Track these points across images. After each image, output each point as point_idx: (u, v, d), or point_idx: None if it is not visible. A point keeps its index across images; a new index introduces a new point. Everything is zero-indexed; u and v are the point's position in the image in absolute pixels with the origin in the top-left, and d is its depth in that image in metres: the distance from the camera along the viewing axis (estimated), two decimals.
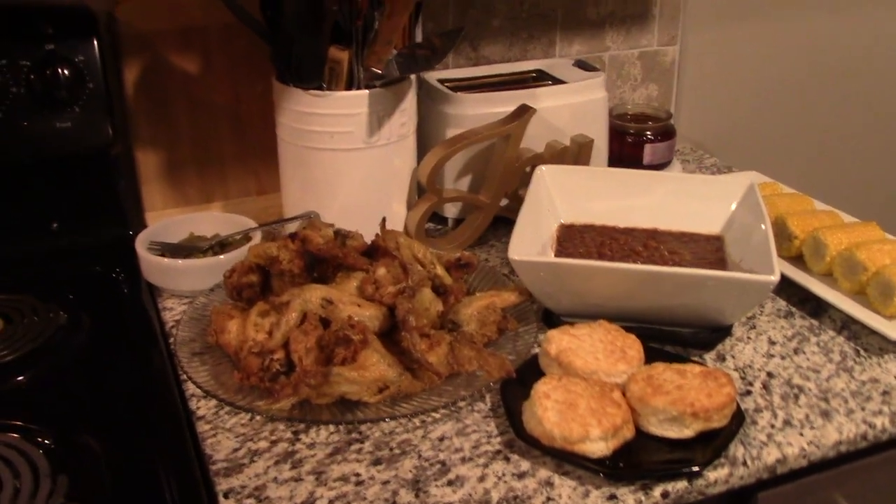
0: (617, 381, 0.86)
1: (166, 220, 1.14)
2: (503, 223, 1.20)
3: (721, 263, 1.04)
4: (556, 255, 1.06)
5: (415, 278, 0.89)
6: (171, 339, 0.96)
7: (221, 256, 1.05)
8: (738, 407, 0.84)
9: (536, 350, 0.92)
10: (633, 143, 1.36)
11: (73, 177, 1.11)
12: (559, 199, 1.14)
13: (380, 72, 1.05)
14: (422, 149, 1.16)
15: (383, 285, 0.89)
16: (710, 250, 1.07)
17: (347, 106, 1.05)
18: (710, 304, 0.94)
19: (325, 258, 0.92)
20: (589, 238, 1.10)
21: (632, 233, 1.11)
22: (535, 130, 1.17)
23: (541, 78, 1.31)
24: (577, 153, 1.21)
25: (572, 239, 1.10)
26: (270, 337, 0.87)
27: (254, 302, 0.93)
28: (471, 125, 1.16)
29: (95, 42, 1.07)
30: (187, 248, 1.10)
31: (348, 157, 1.08)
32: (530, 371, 0.89)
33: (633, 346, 0.89)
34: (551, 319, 1.00)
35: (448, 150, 1.12)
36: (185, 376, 0.89)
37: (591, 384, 0.84)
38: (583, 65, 1.32)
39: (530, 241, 1.02)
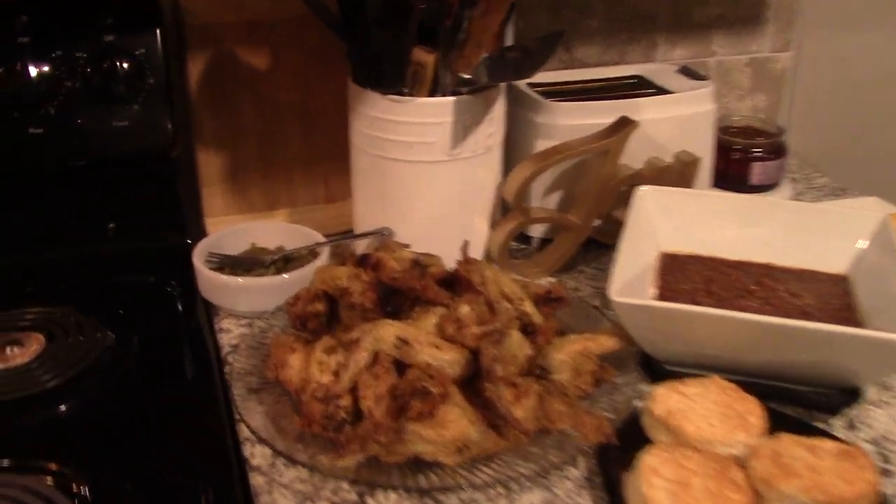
0: (734, 453, 0.74)
1: (227, 228, 1.04)
2: (593, 245, 1.08)
3: (849, 310, 0.91)
4: (657, 289, 0.94)
5: (502, 319, 0.78)
6: (227, 369, 0.87)
7: (285, 275, 0.95)
8: (880, 494, 0.71)
9: (637, 403, 0.80)
10: (740, 160, 1.22)
11: (129, 179, 1.02)
12: (661, 224, 1.01)
13: (468, 77, 0.94)
14: (507, 161, 1.05)
15: (466, 325, 0.78)
16: (835, 293, 0.94)
17: (431, 114, 0.94)
18: (843, 364, 0.81)
19: (400, 289, 0.81)
20: (694, 271, 0.97)
21: (743, 267, 0.98)
22: (634, 145, 1.04)
23: (641, 85, 1.18)
24: (680, 172, 1.08)
25: (675, 272, 0.97)
26: (337, 379, 0.76)
27: (319, 334, 0.83)
28: (564, 137, 1.04)
29: (158, 33, 0.98)
30: (248, 262, 1.01)
31: (428, 170, 0.97)
32: (631, 432, 0.78)
33: (754, 412, 0.77)
34: (653, 368, 0.88)
35: (538, 165, 1.00)
36: (239, 417, 0.79)
37: (707, 458, 0.72)
38: (688, 72, 1.19)
39: (631, 275, 0.90)
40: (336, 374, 0.78)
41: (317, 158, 1.13)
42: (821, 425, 0.80)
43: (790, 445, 0.72)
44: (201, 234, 1.08)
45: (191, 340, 0.92)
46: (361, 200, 1.04)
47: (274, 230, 1.06)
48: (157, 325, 0.94)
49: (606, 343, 0.85)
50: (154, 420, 0.81)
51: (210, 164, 1.09)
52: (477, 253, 1.04)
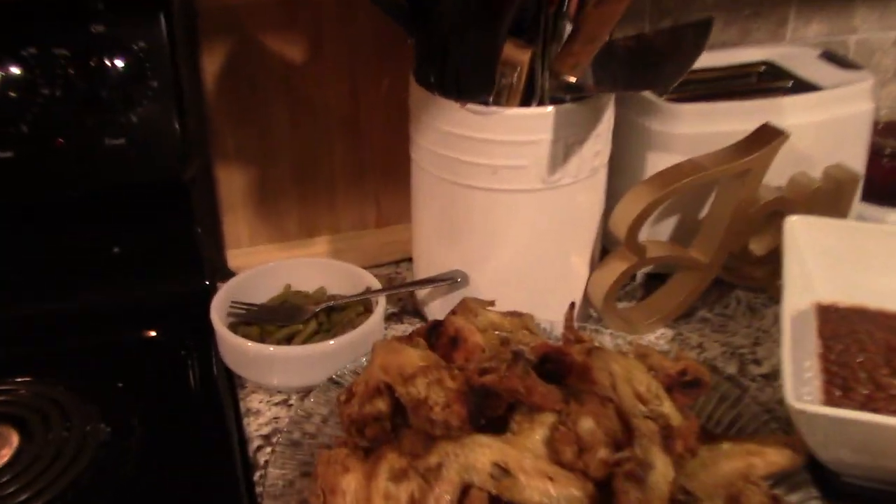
0: None
1: (254, 270, 0.82)
2: (715, 283, 0.85)
3: None
4: (823, 362, 0.71)
5: (643, 443, 0.55)
6: (257, 482, 0.66)
7: (331, 342, 0.73)
8: None
9: None
10: (893, 168, 0.98)
11: (128, 211, 0.80)
12: (816, 265, 0.78)
13: (574, 81, 0.70)
14: (609, 182, 0.81)
15: (591, 448, 0.56)
16: None
17: (524, 129, 0.71)
18: None
19: (496, 393, 0.58)
20: (865, 334, 0.74)
21: None
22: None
23: (773, 75, 0.94)
24: (834, 194, 0.84)
25: (841, 334, 0.74)
26: None
27: (381, 444, 0.61)
28: (686, 150, 0.80)
29: (163, 21, 0.74)
30: (283, 313, 0.79)
31: (516, 201, 0.74)
32: None
33: None
34: (826, 479, 0.65)
35: (659, 192, 0.76)
36: None
37: None
38: (833, 58, 0.93)
39: (794, 357, 0.66)
40: None
41: (364, 173, 0.90)
42: None
43: None
44: (223, 270, 0.86)
45: (210, 429, 0.70)
46: (423, 235, 0.81)
47: (313, 268, 0.83)
48: (166, 406, 0.72)
49: (778, 459, 0.62)
50: None
51: (233, 185, 0.86)
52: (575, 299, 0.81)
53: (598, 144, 0.75)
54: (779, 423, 0.69)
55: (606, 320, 0.81)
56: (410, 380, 0.57)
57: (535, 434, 0.58)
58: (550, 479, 0.56)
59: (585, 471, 0.56)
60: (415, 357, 0.62)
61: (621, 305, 0.87)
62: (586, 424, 0.57)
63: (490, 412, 0.59)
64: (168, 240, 0.82)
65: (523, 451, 0.57)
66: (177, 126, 0.75)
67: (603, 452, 0.56)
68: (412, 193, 0.80)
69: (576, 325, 0.76)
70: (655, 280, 0.88)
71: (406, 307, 0.86)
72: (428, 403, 0.56)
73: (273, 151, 0.86)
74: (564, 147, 0.72)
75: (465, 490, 0.56)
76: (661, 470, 0.56)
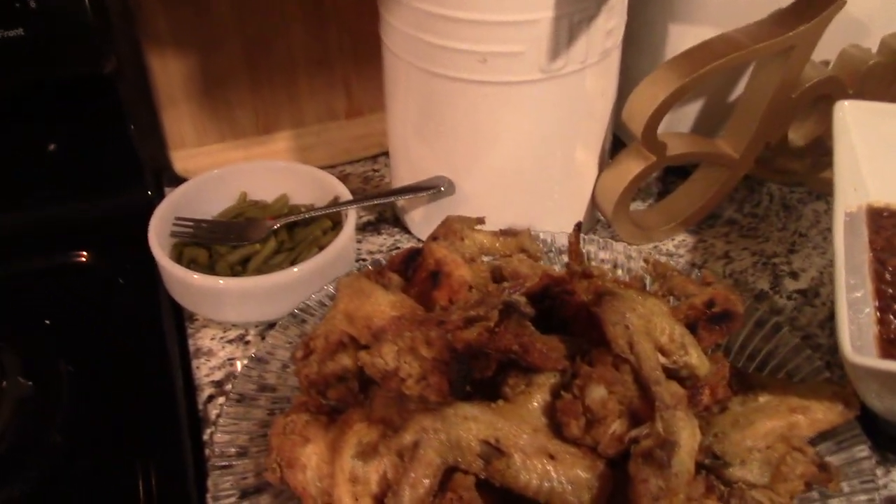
0: None
1: (202, 177, 0.69)
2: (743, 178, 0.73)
3: None
4: (875, 283, 0.59)
5: (666, 416, 0.45)
6: (207, 442, 0.56)
7: (294, 270, 0.61)
8: None
9: None
10: None
11: (45, 113, 0.66)
12: (868, 161, 0.65)
13: None
14: (623, 60, 0.67)
15: (601, 420, 0.45)
16: None
17: (519, 5, 0.56)
18: None
19: (486, 350, 0.47)
20: None
21: None
22: None
23: None
24: (893, 71, 0.70)
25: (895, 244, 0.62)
26: None
27: (347, 408, 0.50)
28: (719, 20, 0.66)
29: None
30: (236, 230, 0.67)
31: (511, 95, 0.61)
32: None
33: None
34: (884, 434, 0.55)
35: (686, 77, 0.62)
36: None
37: None
38: None
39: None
40: (380, 500, 0.46)
41: (330, 56, 0.75)
42: None
43: None
44: (167, 176, 0.73)
45: (150, 375, 0.60)
46: (400, 136, 0.68)
47: (274, 173, 0.71)
48: (99, 350, 0.61)
49: (826, 416, 0.51)
50: None
51: (170, 75, 0.72)
52: (580, 210, 0.69)
53: (612, 20, 0.61)
54: (821, 355, 0.58)
55: (617, 228, 0.69)
56: (377, 344, 0.46)
57: (533, 400, 0.48)
58: (552, 457, 0.45)
59: (595, 448, 0.46)
60: (385, 304, 0.51)
61: (636, 206, 0.75)
62: (597, 392, 0.46)
63: (477, 375, 0.48)
64: (96, 145, 0.69)
65: (519, 424, 0.46)
66: (87, 7, 0.61)
67: (616, 426, 0.46)
68: (385, 86, 0.66)
69: (582, 238, 0.65)
70: (675, 174, 0.76)
71: (384, 215, 0.74)
72: (399, 375, 0.45)
73: (215, 32, 0.71)
74: (569, 26, 0.58)
75: (448, 473, 0.45)
76: (687, 445, 0.46)
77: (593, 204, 0.70)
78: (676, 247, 0.71)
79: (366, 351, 0.46)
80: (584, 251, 0.63)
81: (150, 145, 0.73)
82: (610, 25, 0.61)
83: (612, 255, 0.65)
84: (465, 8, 0.57)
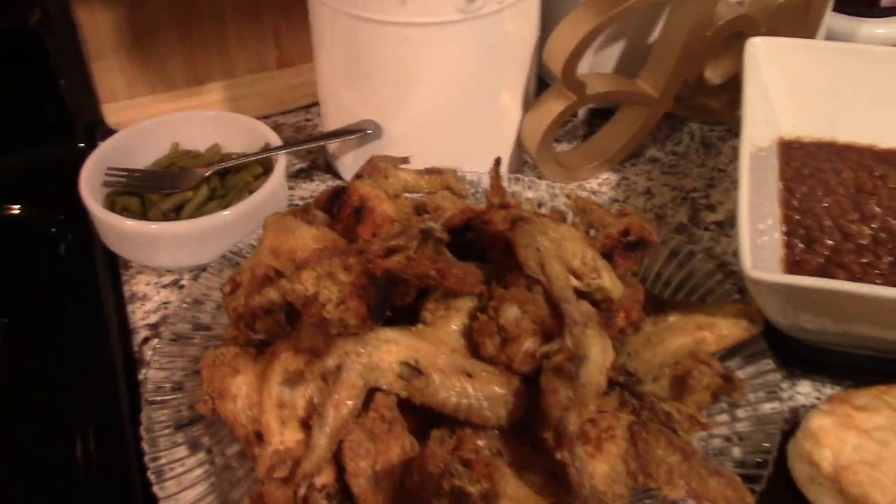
0: None
1: (132, 128, 0.70)
2: (664, 117, 0.75)
3: None
4: (784, 211, 0.62)
5: (575, 331, 0.47)
6: (142, 377, 0.57)
7: (225, 213, 0.63)
8: None
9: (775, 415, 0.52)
10: None
11: None
12: (779, 95, 0.68)
13: None
14: (544, 3, 0.69)
15: (515, 338, 0.48)
16: None
17: None
18: None
19: (405, 280, 0.49)
20: (831, 172, 0.65)
21: None
22: None
23: None
24: (804, 6, 0.73)
25: (805, 175, 0.65)
26: (308, 438, 0.47)
27: (276, 339, 0.52)
28: None
29: None
30: (169, 179, 0.68)
31: (432, 36, 0.62)
32: (778, 489, 0.50)
33: None
34: (788, 346, 0.59)
35: (602, 16, 0.64)
36: (157, 489, 0.50)
37: None
38: None
39: (753, 203, 0.58)
40: (306, 423, 0.48)
41: (260, 5, 0.76)
42: None
43: None
44: (99, 129, 0.74)
45: (83, 321, 0.61)
46: (327, 80, 0.69)
47: (204, 123, 0.72)
48: (33, 298, 0.63)
49: (731, 332, 0.54)
50: (28, 485, 0.52)
51: (98, 27, 0.72)
52: (506, 151, 0.71)
53: None
54: (734, 280, 0.61)
55: (541, 167, 0.71)
56: (297, 272, 0.48)
57: (451, 324, 0.50)
58: (469, 375, 0.48)
59: (509, 365, 0.48)
60: (308, 238, 0.53)
61: (562, 148, 0.78)
62: (510, 312, 0.48)
63: (397, 301, 0.50)
64: (27, 98, 0.69)
65: (437, 346, 0.48)
66: None
67: (529, 343, 0.48)
68: (311, 31, 0.67)
69: (507, 177, 0.67)
70: (600, 117, 0.78)
71: (317, 162, 0.76)
72: (319, 301, 0.46)
73: None
74: None
75: (370, 393, 0.48)
76: (597, 360, 0.48)
77: (519, 145, 0.72)
78: (600, 185, 0.73)
79: (286, 278, 0.48)
80: (508, 189, 0.65)
81: (81, 98, 0.74)
82: None
83: (536, 194, 0.67)
84: None
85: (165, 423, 0.53)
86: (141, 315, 0.62)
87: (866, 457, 0.48)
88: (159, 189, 0.67)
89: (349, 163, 0.71)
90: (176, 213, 0.66)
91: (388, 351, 0.48)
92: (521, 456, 0.48)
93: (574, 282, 0.51)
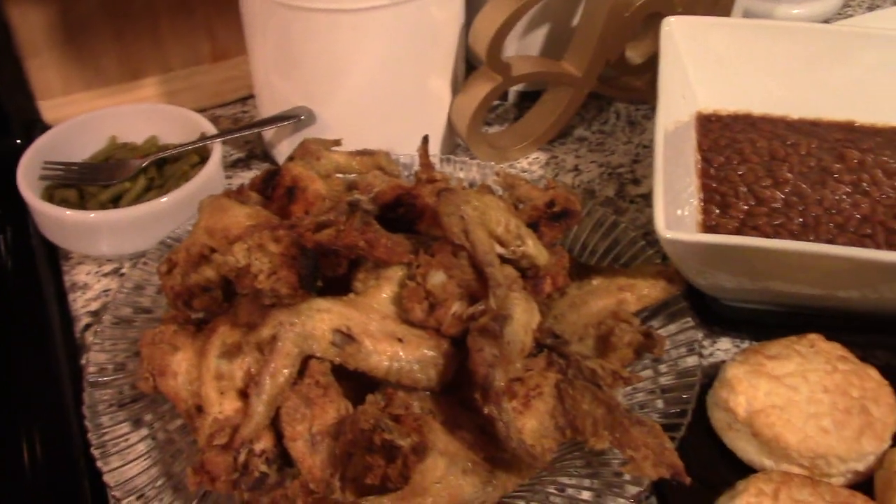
0: (858, 470, 0.50)
1: (68, 122, 0.71)
2: (591, 98, 0.78)
3: None
4: (702, 179, 0.65)
5: (499, 293, 0.49)
6: (84, 362, 0.58)
7: (162, 200, 0.64)
8: None
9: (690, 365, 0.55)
10: None
11: None
12: (696, 72, 0.71)
13: None
14: None
15: (442, 302, 0.50)
16: None
17: None
18: None
19: (335, 251, 0.51)
20: (747, 142, 0.68)
21: (816, 132, 0.69)
22: None
23: None
24: None
25: (722, 145, 0.68)
26: (246, 407, 0.48)
27: (214, 316, 0.54)
28: None
29: None
30: (107, 171, 0.69)
31: (361, 22, 0.64)
32: (699, 437, 0.53)
33: (881, 398, 0.51)
34: (707, 305, 0.62)
35: (520, 0, 0.67)
36: (100, 463, 0.51)
37: (824, 492, 0.47)
38: None
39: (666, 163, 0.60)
40: (244, 393, 0.50)
41: (192, 1, 0.77)
42: None
43: None
44: (36, 126, 0.75)
45: (24, 311, 0.62)
46: (260, 69, 0.71)
47: (141, 115, 0.73)
48: None
49: (650, 292, 0.57)
50: None
51: (30, 25, 0.73)
52: (438, 134, 0.74)
53: None
54: (657, 248, 0.64)
55: (472, 148, 0.74)
56: (232, 253, 0.49)
57: (382, 292, 0.52)
58: (400, 340, 0.50)
59: (438, 328, 0.50)
60: (242, 216, 0.54)
61: (493, 130, 0.80)
62: (437, 277, 0.50)
63: (329, 272, 0.52)
64: None
65: (368, 313, 0.50)
66: None
67: (456, 307, 0.50)
68: (243, 21, 0.69)
69: (439, 158, 0.69)
70: (530, 99, 0.81)
71: (254, 151, 0.77)
72: (251, 272, 0.48)
73: None
74: None
75: (305, 361, 0.49)
76: (521, 319, 0.51)
77: (450, 127, 0.74)
78: (530, 164, 0.76)
79: (219, 252, 0.50)
80: (440, 169, 0.67)
81: (16, 96, 0.74)
82: None
83: (468, 175, 0.69)
84: None
85: (108, 401, 0.54)
86: (82, 303, 0.63)
87: (777, 401, 0.51)
88: (97, 181, 0.68)
89: (285, 150, 0.73)
90: (114, 204, 0.67)
91: (321, 319, 0.49)
92: (452, 415, 0.50)
93: (499, 249, 0.54)
